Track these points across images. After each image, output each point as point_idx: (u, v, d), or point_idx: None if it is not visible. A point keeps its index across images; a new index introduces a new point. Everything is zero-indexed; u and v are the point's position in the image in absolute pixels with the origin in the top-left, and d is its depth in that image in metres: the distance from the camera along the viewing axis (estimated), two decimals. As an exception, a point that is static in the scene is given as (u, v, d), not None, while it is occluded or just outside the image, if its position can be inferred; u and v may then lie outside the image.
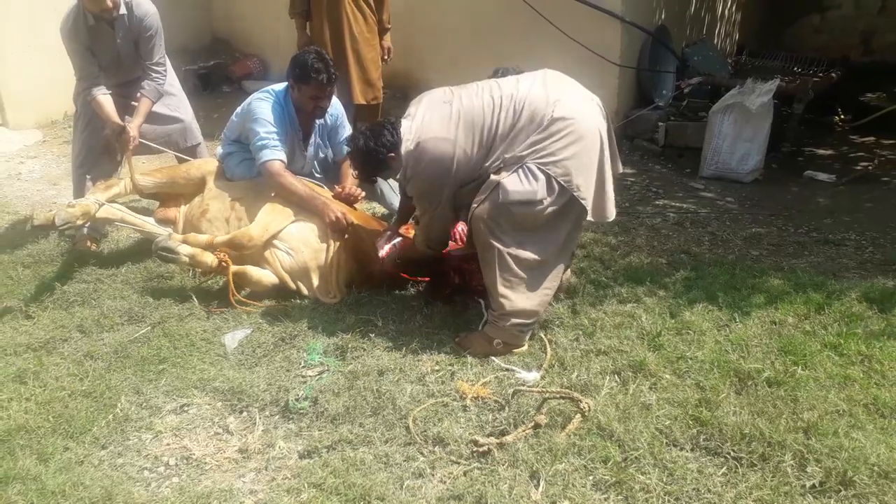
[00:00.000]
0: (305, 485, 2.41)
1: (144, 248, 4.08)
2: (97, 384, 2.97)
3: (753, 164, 5.55)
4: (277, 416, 2.81)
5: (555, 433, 2.57)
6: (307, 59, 3.72)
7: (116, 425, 2.75)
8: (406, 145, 3.04)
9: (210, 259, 3.51)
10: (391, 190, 4.31)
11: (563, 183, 2.89)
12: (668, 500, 2.29)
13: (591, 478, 2.39)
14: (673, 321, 3.31)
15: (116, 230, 4.39)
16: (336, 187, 3.96)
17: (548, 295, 3.10)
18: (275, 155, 3.73)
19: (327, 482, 2.40)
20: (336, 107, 4.09)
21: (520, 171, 2.91)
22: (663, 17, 6.70)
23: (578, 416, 2.62)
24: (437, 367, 3.01)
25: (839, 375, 2.85)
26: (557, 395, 2.73)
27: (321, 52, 3.84)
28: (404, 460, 2.51)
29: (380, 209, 4.63)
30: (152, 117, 4.17)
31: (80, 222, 3.72)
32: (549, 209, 2.92)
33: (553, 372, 2.98)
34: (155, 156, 4.84)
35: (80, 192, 4.24)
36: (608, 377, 2.90)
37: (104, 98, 3.99)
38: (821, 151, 6.41)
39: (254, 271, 3.59)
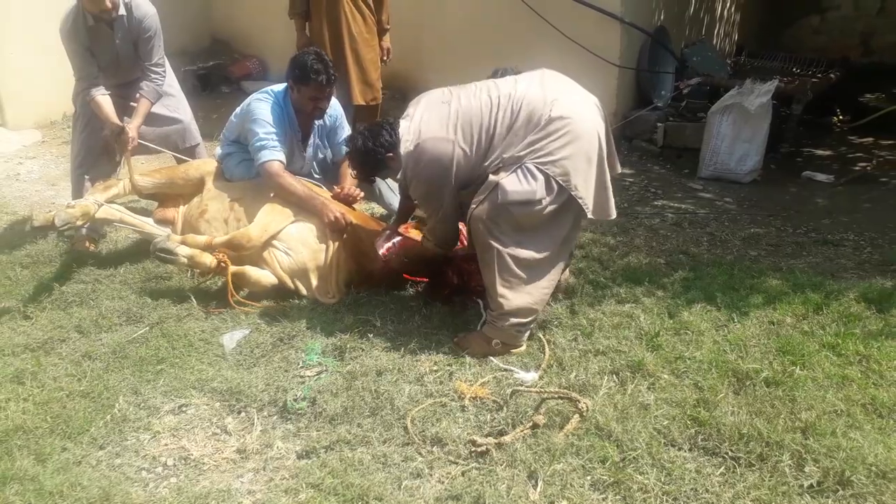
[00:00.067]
0: (303, 485, 2.41)
1: (143, 249, 4.08)
2: (95, 384, 2.97)
3: (752, 165, 5.55)
4: (275, 417, 2.81)
5: (553, 433, 2.57)
6: (306, 60, 3.72)
7: (114, 426, 2.75)
8: (405, 146, 3.04)
9: (209, 260, 3.51)
10: (390, 190, 4.31)
11: (561, 183, 2.89)
12: (667, 500, 2.29)
13: (589, 478, 2.39)
14: (671, 321, 3.31)
15: (115, 231, 4.39)
16: (335, 188, 3.96)
17: (546, 294, 3.11)
18: (274, 155, 3.73)
19: (325, 482, 2.40)
20: (335, 108, 4.09)
21: (518, 171, 2.91)
22: (662, 17, 6.71)
23: (577, 416, 2.63)
24: (435, 368, 3.01)
25: (837, 375, 2.85)
26: (556, 396, 2.74)
27: (320, 53, 3.85)
28: (402, 460, 2.51)
29: (378, 209, 4.63)
30: (151, 118, 4.17)
31: (79, 223, 3.72)
32: (548, 209, 2.92)
33: (551, 372, 2.98)
34: (153, 156, 4.84)
35: (78, 192, 4.24)
36: (606, 377, 2.90)
37: (103, 98, 3.99)
38: (819, 152, 6.42)
39: (253, 272, 3.59)
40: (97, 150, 4.23)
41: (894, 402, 2.67)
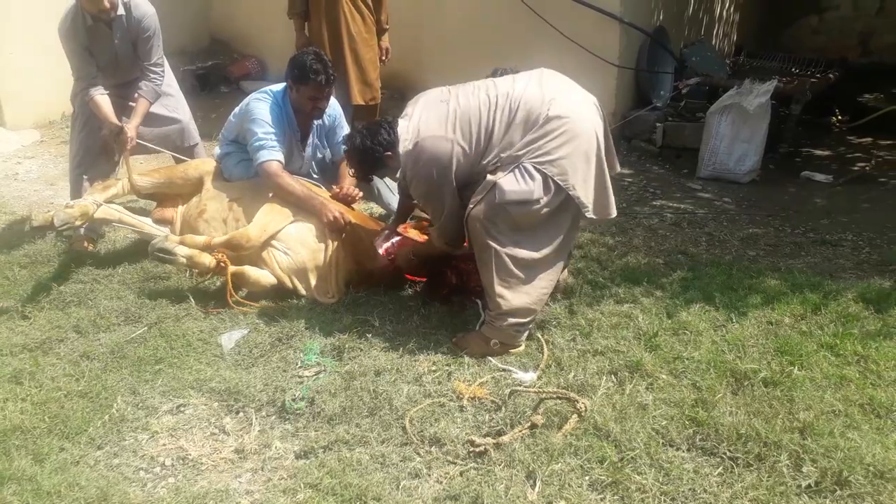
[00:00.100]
0: (302, 485, 2.41)
1: (141, 249, 4.07)
2: (93, 384, 2.97)
3: (751, 165, 5.55)
4: (274, 417, 2.81)
5: (551, 433, 2.57)
6: (306, 60, 3.72)
7: (112, 426, 2.75)
8: (404, 145, 3.04)
9: (208, 260, 3.51)
10: (388, 190, 4.31)
11: (559, 182, 2.89)
12: (665, 501, 2.29)
13: (587, 478, 2.39)
14: (670, 321, 3.31)
15: (113, 231, 4.39)
16: (334, 187, 3.97)
17: (545, 294, 3.10)
18: (272, 155, 3.73)
19: (324, 482, 2.40)
20: (334, 107, 4.09)
21: (516, 170, 2.91)
22: (661, 17, 6.71)
23: (575, 416, 2.63)
24: (433, 368, 3.01)
25: (835, 376, 2.85)
26: (554, 396, 2.74)
27: (320, 52, 3.85)
28: (401, 460, 2.51)
29: (377, 209, 4.63)
30: (150, 118, 4.17)
31: (78, 223, 3.72)
32: (546, 209, 2.92)
33: (550, 372, 2.98)
34: (152, 156, 4.84)
35: (77, 192, 4.24)
36: (605, 377, 2.90)
37: (102, 98, 3.99)
38: (818, 152, 6.42)
39: (252, 271, 3.59)
40: (96, 150, 4.23)
41: (892, 403, 2.67)
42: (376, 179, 4.10)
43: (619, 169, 3.30)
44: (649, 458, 2.44)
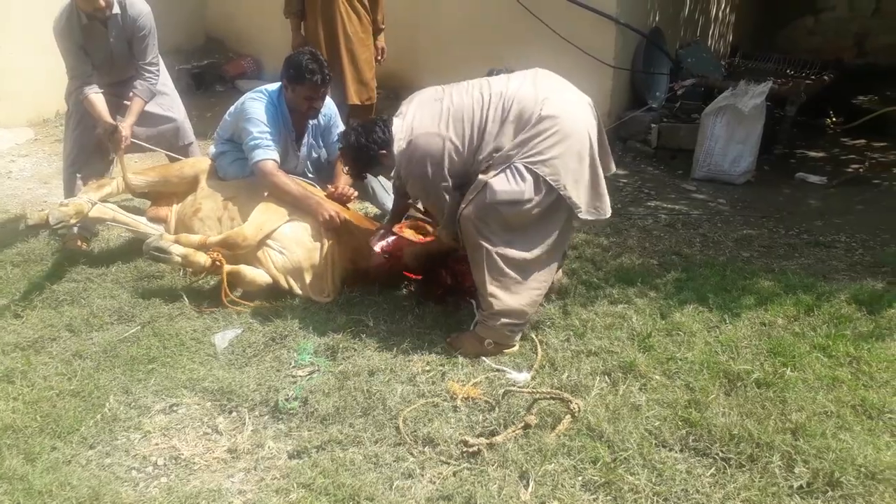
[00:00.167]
0: (295, 485, 2.41)
1: (135, 248, 4.06)
2: (86, 383, 2.96)
3: (745, 166, 5.57)
4: (267, 417, 2.80)
5: (545, 434, 2.57)
6: (301, 60, 3.71)
7: (105, 425, 2.74)
8: (398, 144, 3.05)
9: (203, 259, 3.51)
10: (383, 189, 4.31)
11: (551, 182, 2.89)
12: (657, 501, 2.29)
13: (580, 478, 2.39)
14: (663, 322, 3.31)
15: (107, 229, 4.38)
16: (329, 187, 3.96)
17: (538, 295, 3.10)
18: (268, 154, 3.72)
19: (317, 482, 2.39)
20: (329, 107, 4.09)
21: (507, 171, 2.91)
22: (657, 18, 6.72)
23: (568, 416, 2.63)
24: (427, 368, 3.01)
25: (827, 377, 2.86)
26: (548, 396, 2.74)
27: (315, 52, 3.85)
28: (394, 460, 2.51)
29: (372, 209, 4.62)
30: (145, 117, 4.16)
31: (73, 221, 3.71)
32: (537, 209, 2.93)
33: (543, 372, 2.98)
34: (146, 155, 4.83)
35: (70, 191, 4.23)
36: (598, 378, 2.90)
37: (96, 97, 3.98)
38: (812, 154, 6.45)
39: (248, 271, 3.58)
40: (90, 149, 4.21)
41: (884, 404, 2.68)
42: (371, 179, 4.10)
43: (614, 169, 3.30)
44: (642, 459, 2.45)
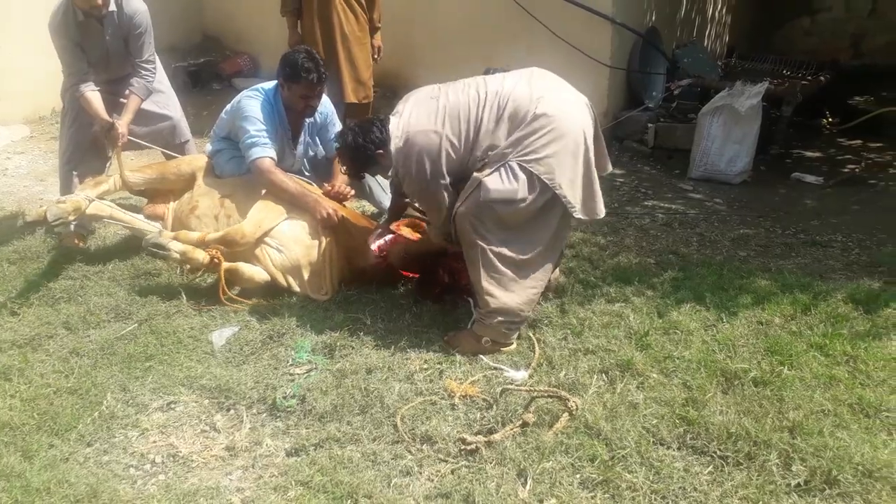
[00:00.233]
0: (292, 482, 2.40)
1: (131, 245, 4.06)
2: (83, 381, 2.95)
3: (742, 166, 5.58)
4: (265, 414, 2.80)
5: (542, 432, 2.58)
6: (297, 59, 3.71)
7: (102, 422, 2.74)
8: (395, 142, 3.05)
9: (201, 256, 3.50)
10: (380, 188, 4.31)
11: (545, 181, 2.90)
12: (655, 499, 2.30)
13: (578, 476, 2.40)
14: (660, 321, 3.32)
15: (103, 227, 4.37)
16: (325, 185, 3.96)
17: (534, 293, 3.11)
18: (265, 152, 3.72)
19: (314, 480, 2.39)
20: (326, 104, 4.08)
21: (501, 169, 2.92)
22: (654, 18, 6.73)
23: (566, 414, 2.63)
24: (425, 366, 3.01)
25: (825, 375, 2.86)
26: (545, 394, 2.74)
27: (311, 51, 3.84)
28: (392, 458, 2.51)
29: (369, 207, 4.62)
30: (141, 114, 4.15)
31: (71, 218, 3.70)
32: (532, 207, 2.93)
33: (541, 371, 2.98)
34: (142, 152, 4.82)
35: (67, 188, 4.22)
36: (596, 376, 2.90)
37: (93, 94, 3.97)
38: (809, 154, 6.46)
39: (246, 268, 3.58)
40: (85, 146, 4.21)
41: (881, 402, 2.69)
42: (368, 178, 4.10)
43: (610, 169, 3.32)
44: (640, 457, 2.45)
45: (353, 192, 4.01)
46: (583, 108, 3.08)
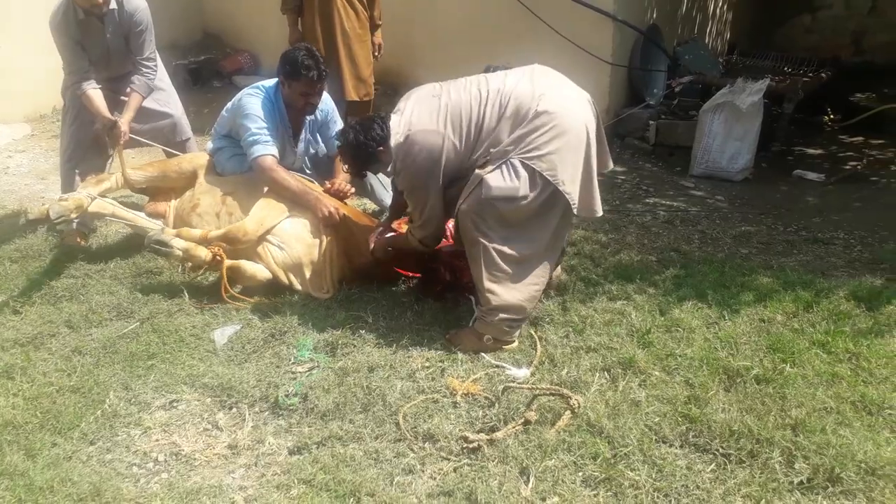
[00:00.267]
0: (295, 481, 2.41)
1: (133, 244, 4.06)
2: (85, 380, 2.96)
3: (743, 163, 5.57)
4: (267, 413, 2.80)
5: (544, 430, 2.58)
6: (297, 56, 3.71)
7: (105, 421, 2.74)
8: (396, 139, 3.05)
9: (203, 253, 3.50)
10: (382, 186, 4.31)
11: (548, 177, 2.89)
12: (657, 497, 2.30)
13: (580, 474, 2.40)
14: (662, 318, 3.32)
15: (105, 225, 4.37)
16: (326, 183, 3.96)
17: (536, 291, 3.11)
18: (266, 150, 3.72)
19: (317, 478, 2.40)
20: (326, 102, 4.08)
21: (504, 166, 2.92)
22: (655, 15, 6.72)
23: (568, 412, 2.63)
24: (427, 364, 3.01)
25: (827, 373, 2.86)
26: (547, 392, 2.74)
27: (311, 48, 3.84)
28: (394, 456, 2.51)
29: (371, 205, 4.62)
30: (142, 112, 4.14)
31: (73, 216, 3.70)
32: (534, 205, 2.93)
33: (543, 369, 2.98)
34: (143, 150, 4.81)
35: (68, 186, 4.22)
36: (598, 374, 2.90)
37: (94, 92, 3.97)
38: (810, 151, 6.45)
39: (248, 266, 3.58)
40: (86, 144, 4.21)
41: (883, 400, 2.68)
42: (370, 176, 4.10)
43: (611, 166, 3.31)
44: (642, 455, 2.45)
45: (353, 190, 4.01)
46: (585, 105, 3.08)
